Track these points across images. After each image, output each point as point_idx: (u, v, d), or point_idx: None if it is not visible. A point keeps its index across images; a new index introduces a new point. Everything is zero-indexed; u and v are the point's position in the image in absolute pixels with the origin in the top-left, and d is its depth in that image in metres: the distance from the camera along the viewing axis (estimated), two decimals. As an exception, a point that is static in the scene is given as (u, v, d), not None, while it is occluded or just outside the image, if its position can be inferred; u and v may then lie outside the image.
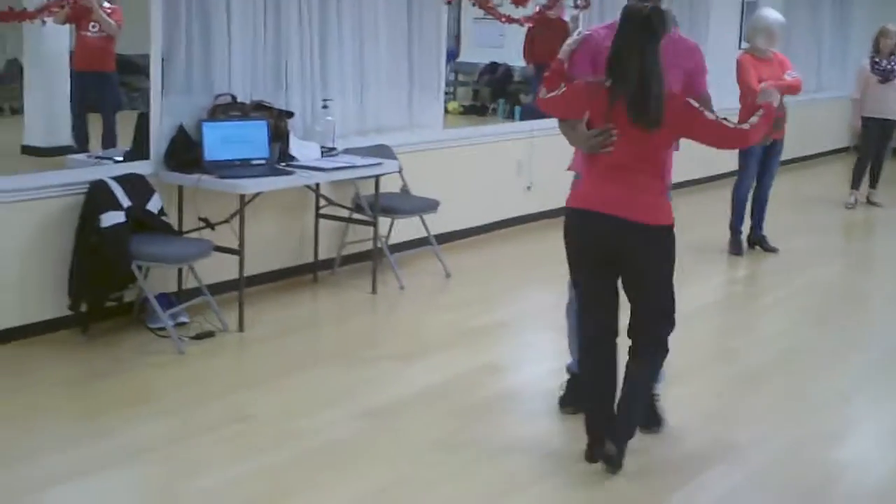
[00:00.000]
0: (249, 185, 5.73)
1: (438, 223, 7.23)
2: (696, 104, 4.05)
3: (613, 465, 4.08)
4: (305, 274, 6.86)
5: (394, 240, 7.10)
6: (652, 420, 4.50)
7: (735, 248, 8.02)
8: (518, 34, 10.35)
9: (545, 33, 9.82)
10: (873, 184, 10.40)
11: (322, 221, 6.78)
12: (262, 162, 5.99)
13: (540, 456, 4.34)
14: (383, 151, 6.96)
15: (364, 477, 4.08)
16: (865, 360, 5.83)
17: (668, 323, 4.16)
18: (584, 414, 4.28)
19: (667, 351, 4.19)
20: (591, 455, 4.16)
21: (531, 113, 8.86)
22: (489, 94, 14.03)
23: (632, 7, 3.97)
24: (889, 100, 9.95)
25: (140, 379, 5.09)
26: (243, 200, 5.64)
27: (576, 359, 4.60)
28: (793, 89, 7.40)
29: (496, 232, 8.35)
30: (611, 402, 4.15)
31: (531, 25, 8.99)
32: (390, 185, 6.90)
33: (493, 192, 8.26)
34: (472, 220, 8.10)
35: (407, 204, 6.94)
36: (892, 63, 9.95)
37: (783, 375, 5.45)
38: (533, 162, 8.55)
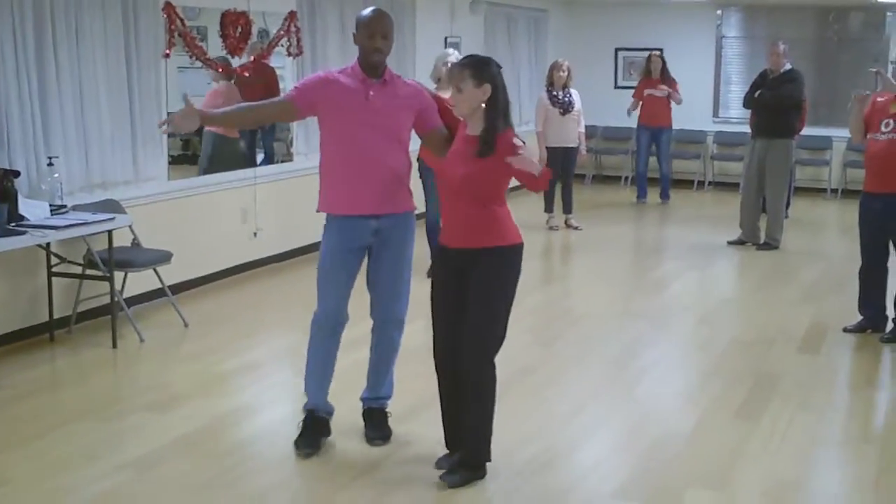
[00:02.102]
0: (-19, 248, 5.65)
1: (171, 273, 7.30)
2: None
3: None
4: (41, 334, 6.76)
5: (128, 293, 7.12)
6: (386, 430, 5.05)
7: None
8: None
9: (252, 80, 9.95)
10: (568, 209, 11.23)
11: (55, 279, 6.72)
12: (-10, 223, 5.92)
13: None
14: (112, 206, 6.98)
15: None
16: (590, 373, 6.41)
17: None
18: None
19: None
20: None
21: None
22: (198, 143, 14.01)
23: None
24: (569, 129, 10.81)
25: None
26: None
27: (311, 398, 5.00)
28: None
29: (228, 279, 8.46)
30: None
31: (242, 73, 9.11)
32: (121, 240, 6.92)
33: (220, 241, 8.39)
34: (203, 269, 8.19)
35: (141, 257, 6.99)
36: (568, 95, 10.81)
37: (519, 393, 5.88)
38: (258, 209, 8.76)
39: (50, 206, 6.42)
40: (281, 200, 9.05)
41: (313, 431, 4.95)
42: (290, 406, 5.54)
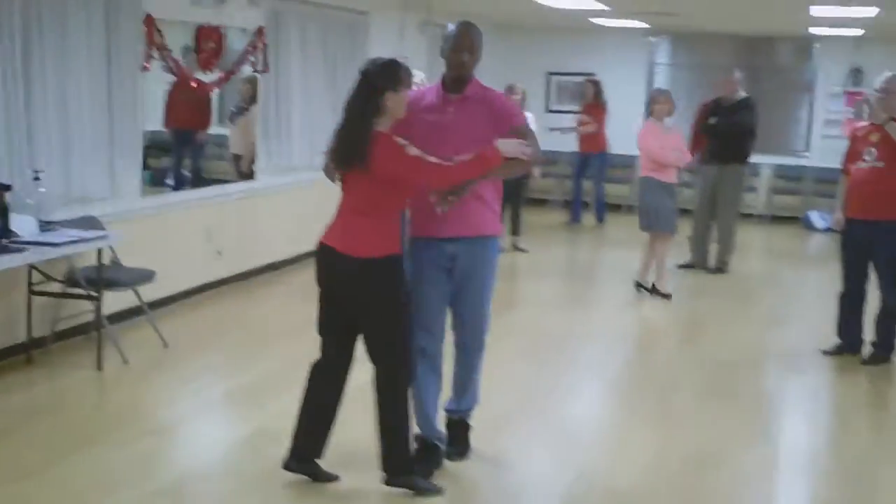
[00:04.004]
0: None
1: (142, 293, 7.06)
2: (402, 141, 4.35)
3: None
4: (17, 354, 6.46)
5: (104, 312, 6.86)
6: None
7: None
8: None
9: (187, 97, 9.56)
10: (516, 231, 11.27)
11: (33, 298, 6.44)
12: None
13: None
14: (92, 223, 6.73)
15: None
16: (599, 387, 6.42)
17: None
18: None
19: None
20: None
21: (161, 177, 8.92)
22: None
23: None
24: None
25: None
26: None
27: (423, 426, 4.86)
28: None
29: (193, 298, 8.24)
30: None
31: (171, 90, 8.79)
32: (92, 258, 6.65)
33: (186, 259, 8.15)
34: (170, 289, 7.95)
35: (125, 276, 6.74)
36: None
37: (531, 416, 5.86)
38: (222, 227, 8.56)
39: (39, 222, 6.15)
40: (243, 219, 8.86)
41: (426, 460, 4.83)
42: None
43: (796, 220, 14.17)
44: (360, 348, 4.60)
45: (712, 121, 10.21)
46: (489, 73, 14.08)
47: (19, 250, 5.67)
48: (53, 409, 5.80)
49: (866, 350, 7.25)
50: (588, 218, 13.37)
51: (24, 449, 5.11)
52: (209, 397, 6.02)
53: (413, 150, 4.35)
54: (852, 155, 7.18)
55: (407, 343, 4.51)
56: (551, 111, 14.95)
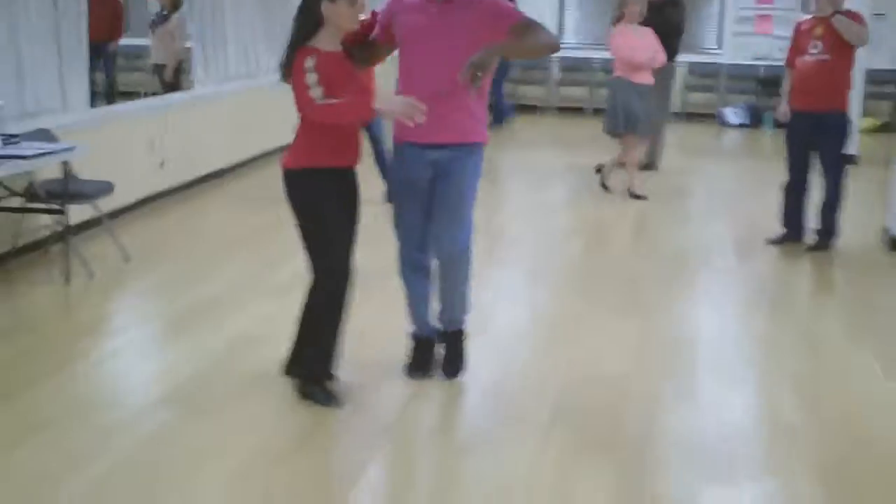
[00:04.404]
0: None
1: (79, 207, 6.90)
2: (309, 65, 4.20)
3: None
4: (-20, 271, 6.37)
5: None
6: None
7: None
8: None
9: (96, 5, 9.21)
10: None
11: (-4, 214, 6.32)
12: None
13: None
14: (46, 135, 6.58)
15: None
16: (565, 284, 6.58)
17: None
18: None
19: None
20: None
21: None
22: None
23: None
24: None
25: None
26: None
27: (418, 324, 4.92)
28: None
29: (139, 210, 8.13)
30: None
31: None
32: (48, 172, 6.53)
33: (131, 171, 8.02)
34: (118, 202, 7.80)
35: (86, 188, 6.63)
36: None
37: (506, 316, 6.02)
38: (164, 138, 8.42)
39: (1, 135, 6.00)
40: (184, 129, 8.74)
41: (422, 354, 4.91)
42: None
43: (711, 118, 14.49)
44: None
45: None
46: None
47: (-9, 161, 5.54)
48: (34, 324, 5.73)
49: (810, 238, 7.55)
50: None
51: (13, 369, 5.07)
52: (183, 306, 5.98)
53: (310, 79, 4.19)
54: (796, 49, 7.39)
55: (319, 262, 4.42)
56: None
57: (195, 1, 8.97)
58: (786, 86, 7.57)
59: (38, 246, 6.73)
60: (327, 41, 4.30)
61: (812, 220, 7.57)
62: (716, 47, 14.89)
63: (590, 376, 5.03)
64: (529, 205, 9.26)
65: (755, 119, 14.04)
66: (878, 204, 8.24)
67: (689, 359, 5.32)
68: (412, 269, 4.81)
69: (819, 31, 7.21)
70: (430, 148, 4.55)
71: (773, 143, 13.11)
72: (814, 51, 7.21)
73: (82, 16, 7.20)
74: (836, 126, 7.27)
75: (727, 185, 10.35)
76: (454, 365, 4.92)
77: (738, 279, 6.83)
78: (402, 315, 4.98)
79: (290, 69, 4.27)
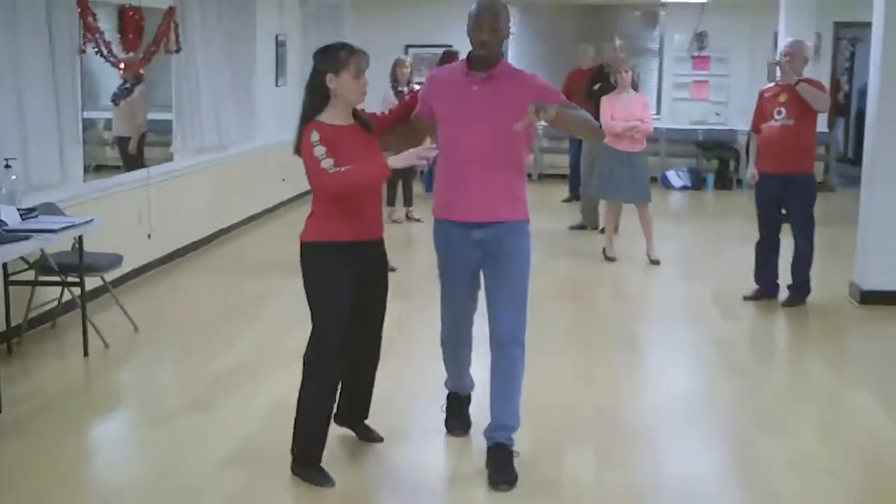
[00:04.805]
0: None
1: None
2: (314, 139, 4.31)
3: None
4: (-1, 345, 6.41)
5: (65, 298, 6.83)
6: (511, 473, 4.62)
7: None
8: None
9: None
10: (409, 202, 11.57)
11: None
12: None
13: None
14: (53, 209, 6.70)
15: None
16: (565, 346, 6.84)
17: None
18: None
19: None
20: None
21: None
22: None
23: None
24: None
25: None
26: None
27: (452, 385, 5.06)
28: None
29: (132, 281, 8.23)
30: None
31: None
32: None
33: (123, 242, 8.11)
34: (116, 273, 7.87)
35: (98, 261, 6.72)
36: (413, 91, 11.11)
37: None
38: (149, 209, 8.55)
39: (18, 210, 6.10)
40: (166, 201, 8.87)
41: (459, 410, 5.07)
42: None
43: (653, 181, 14.94)
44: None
45: (596, 87, 10.75)
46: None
47: (25, 238, 5.64)
48: (62, 396, 5.78)
49: (783, 294, 7.94)
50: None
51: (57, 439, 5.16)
52: (209, 375, 6.10)
53: (319, 151, 4.28)
54: (761, 115, 7.84)
55: (318, 338, 4.46)
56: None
57: (176, 74, 9.13)
58: (753, 150, 8.02)
59: (45, 319, 6.78)
60: (335, 115, 4.42)
61: (784, 276, 7.96)
62: (655, 113, 15.43)
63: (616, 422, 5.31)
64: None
65: (697, 181, 14.56)
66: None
67: (704, 407, 5.62)
68: (455, 343, 4.89)
69: (783, 97, 7.67)
70: (475, 227, 4.53)
71: (716, 204, 13.69)
72: (778, 116, 7.66)
73: (77, 89, 7.34)
74: (804, 186, 7.72)
75: (686, 244, 10.75)
76: (504, 475, 4.55)
77: (726, 335, 7.16)
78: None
79: (295, 145, 4.41)
